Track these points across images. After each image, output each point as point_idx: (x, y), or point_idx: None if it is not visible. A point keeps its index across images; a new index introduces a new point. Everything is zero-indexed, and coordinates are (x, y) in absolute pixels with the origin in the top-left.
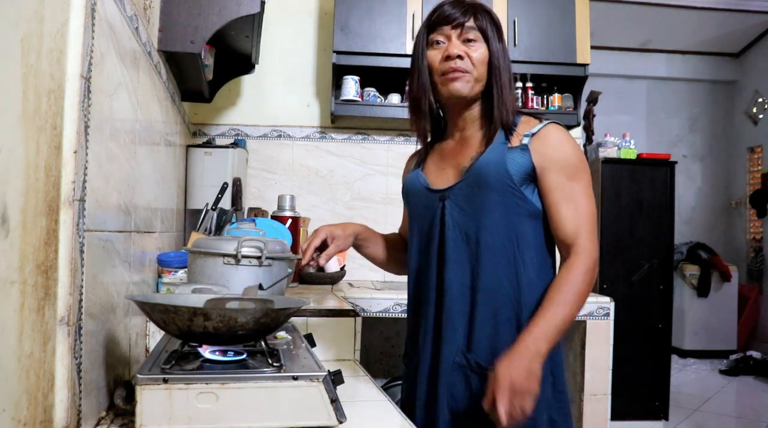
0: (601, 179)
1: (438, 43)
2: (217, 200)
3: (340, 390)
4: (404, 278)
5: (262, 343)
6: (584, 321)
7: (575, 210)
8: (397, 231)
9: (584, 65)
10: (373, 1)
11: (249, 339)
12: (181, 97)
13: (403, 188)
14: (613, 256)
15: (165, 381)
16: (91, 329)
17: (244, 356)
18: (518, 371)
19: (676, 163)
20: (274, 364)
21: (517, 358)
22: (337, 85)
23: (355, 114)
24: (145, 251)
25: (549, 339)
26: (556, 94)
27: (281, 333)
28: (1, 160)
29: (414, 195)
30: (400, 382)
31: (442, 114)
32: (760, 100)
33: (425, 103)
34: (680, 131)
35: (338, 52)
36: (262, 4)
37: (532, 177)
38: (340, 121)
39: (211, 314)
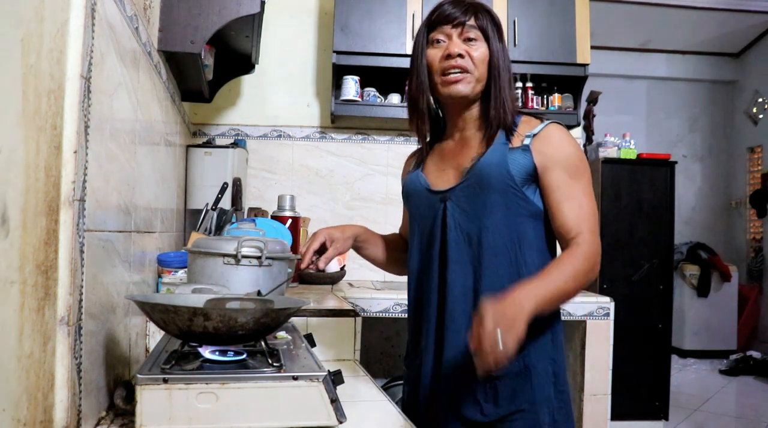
0: (601, 179)
1: (438, 41)
2: (217, 200)
3: (340, 390)
4: (404, 278)
5: (262, 343)
6: (584, 321)
7: (578, 207)
8: (397, 231)
9: (584, 65)
10: (373, 1)
11: (249, 339)
12: (181, 97)
13: (403, 189)
14: (613, 256)
15: (165, 381)
16: (91, 329)
17: (244, 356)
18: (504, 314)
19: (676, 163)
20: (274, 364)
21: (504, 304)
22: (337, 85)
23: (355, 114)
24: (145, 251)
25: (538, 301)
26: (556, 94)
27: (281, 333)
28: (1, 160)
29: (414, 196)
30: (400, 382)
31: (441, 114)
32: (760, 100)
33: (423, 103)
34: (680, 131)
35: (338, 52)
36: (262, 4)
37: (534, 177)
38: (340, 121)
39: (211, 314)
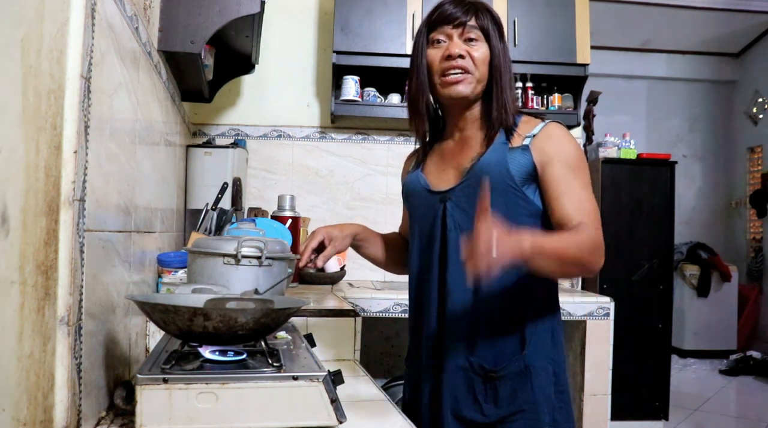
0: (601, 179)
1: (439, 42)
2: (217, 200)
3: (340, 390)
4: (404, 278)
5: (262, 343)
6: (584, 321)
7: (578, 201)
8: (397, 230)
9: (584, 65)
10: (373, 1)
11: (249, 339)
12: (181, 97)
13: (403, 189)
14: (613, 256)
15: (165, 381)
16: (91, 329)
17: (244, 356)
18: (501, 228)
19: (676, 163)
20: (274, 364)
21: (502, 226)
22: (337, 85)
23: (355, 114)
24: (145, 251)
25: (536, 243)
26: (556, 94)
27: (281, 333)
28: (1, 160)
29: (414, 196)
30: (400, 382)
31: (441, 114)
32: (760, 100)
33: (423, 104)
34: (680, 131)
35: (338, 52)
36: (262, 4)
37: (534, 177)
38: (340, 121)
39: (211, 314)
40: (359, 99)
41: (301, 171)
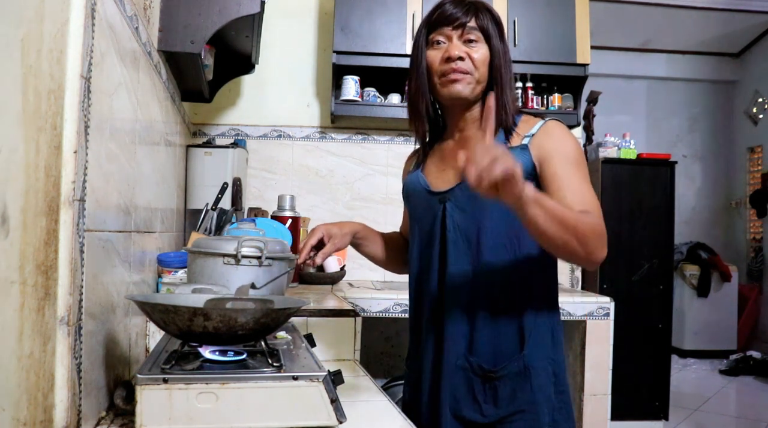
0: (601, 179)
1: (438, 43)
2: (217, 200)
3: (340, 390)
4: (404, 278)
5: (262, 343)
6: (584, 321)
7: (580, 194)
8: (398, 230)
9: (584, 65)
10: (373, 1)
11: (249, 339)
12: (181, 97)
13: (403, 189)
14: (613, 256)
15: (165, 381)
16: (91, 329)
17: (244, 356)
18: (507, 154)
19: (676, 163)
20: (274, 364)
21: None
22: (337, 85)
23: (355, 114)
24: (145, 251)
25: (536, 194)
26: (556, 94)
27: (281, 333)
28: (1, 160)
29: (414, 196)
30: (400, 382)
31: (441, 114)
32: (760, 100)
33: (422, 106)
34: (680, 131)
35: (338, 52)
36: (262, 4)
37: (533, 176)
38: (340, 121)
39: (211, 314)
40: (359, 99)
41: (301, 171)
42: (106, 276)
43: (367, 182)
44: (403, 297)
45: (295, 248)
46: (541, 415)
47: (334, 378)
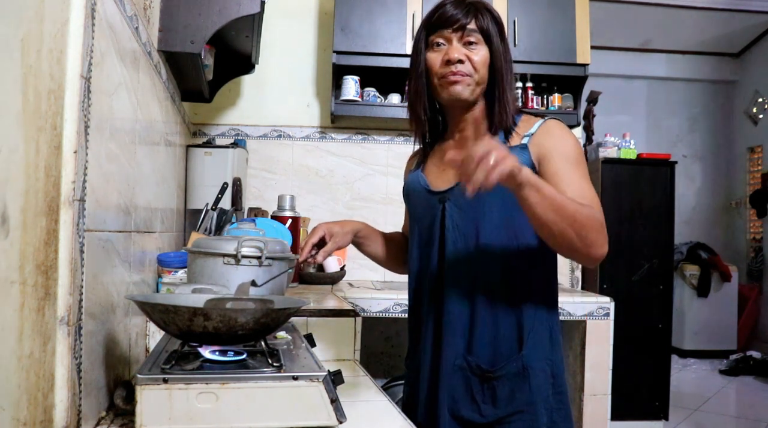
0: (601, 179)
1: (438, 45)
2: (217, 200)
3: (340, 390)
4: (404, 278)
5: (262, 343)
6: (584, 321)
7: (580, 190)
8: (400, 230)
9: (584, 65)
10: (373, 1)
11: (249, 339)
12: (181, 97)
13: (404, 188)
14: (613, 256)
15: (165, 381)
16: (91, 329)
17: (244, 356)
18: (502, 149)
19: (676, 163)
20: (274, 364)
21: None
22: (337, 85)
23: (355, 114)
24: (145, 251)
25: (534, 180)
26: (556, 94)
27: (281, 333)
28: (1, 160)
29: (414, 196)
30: (400, 382)
31: (441, 115)
32: (760, 100)
33: (421, 109)
34: (680, 131)
35: (338, 52)
36: (262, 4)
37: None
38: (340, 121)
39: (211, 314)
40: (359, 99)
41: (301, 171)
42: (106, 276)
43: (367, 182)
44: (403, 297)
45: (295, 248)
46: (540, 416)
47: (334, 378)
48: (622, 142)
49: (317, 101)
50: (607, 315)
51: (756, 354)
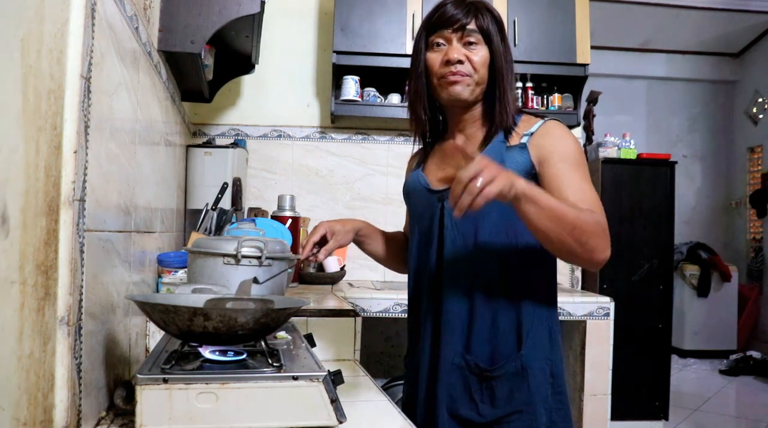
0: (601, 179)
1: (438, 45)
2: (217, 200)
3: (340, 390)
4: (404, 277)
5: (262, 343)
6: (584, 321)
7: (580, 192)
8: (401, 229)
9: (584, 65)
10: (373, 1)
11: (249, 339)
12: (181, 97)
13: (404, 187)
14: (613, 256)
15: (165, 381)
16: (91, 329)
17: (244, 356)
18: (492, 164)
19: (676, 163)
20: (274, 364)
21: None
22: (337, 85)
23: (355, 114)
24: (145, 251)
25: (530, 191)
26: (556, 94)
27: (281, 333)
28: (1, 160)
29: (414, 195)
30: (400, 382)
31: (441, 114)
32: (760, 100)
33: (421, 109)
34: (680, 131)
35: (338, 52)
36: (262, 4)
37: (532, 175)
38: (340, 121)
39: (211, 314)
40: (359, 99)
41: (301, 171)
42: (106, 276)
43: (367, 182)
44: (403, 297)
45: (295, 248)
46: (539, 416)
47: (334, 378)
48: (622, 142)
49: (317, 101)
50: (607, 315)
51: (756, 354)
